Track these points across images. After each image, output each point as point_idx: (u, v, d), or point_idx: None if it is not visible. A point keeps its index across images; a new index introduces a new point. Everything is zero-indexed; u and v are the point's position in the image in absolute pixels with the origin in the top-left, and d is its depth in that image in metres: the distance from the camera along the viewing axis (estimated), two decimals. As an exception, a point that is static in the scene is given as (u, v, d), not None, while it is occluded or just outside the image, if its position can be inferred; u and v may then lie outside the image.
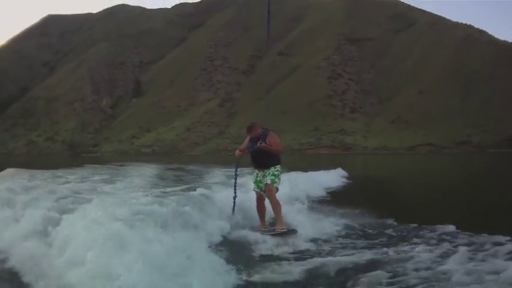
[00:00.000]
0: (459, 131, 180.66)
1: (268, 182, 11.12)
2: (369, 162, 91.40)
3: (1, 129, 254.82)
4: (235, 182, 12.11)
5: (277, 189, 11.23)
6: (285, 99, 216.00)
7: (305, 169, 30.76)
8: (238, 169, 12.43)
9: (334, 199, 19.81)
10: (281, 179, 11.56)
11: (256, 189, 11.51)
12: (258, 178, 11.50)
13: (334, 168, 34.98)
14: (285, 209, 12.16)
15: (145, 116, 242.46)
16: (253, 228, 11.07)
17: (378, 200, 21.12)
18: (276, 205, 10.93)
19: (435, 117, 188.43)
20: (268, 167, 11.40)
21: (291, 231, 10.65)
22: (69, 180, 22.50)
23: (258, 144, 11.25)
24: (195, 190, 13.26)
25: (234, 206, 11.88)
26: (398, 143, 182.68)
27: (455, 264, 7.99)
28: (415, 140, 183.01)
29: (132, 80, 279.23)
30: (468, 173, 50.75)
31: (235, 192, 11.92)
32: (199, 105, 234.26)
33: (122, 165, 44.92)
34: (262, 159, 11.39)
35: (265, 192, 11.27)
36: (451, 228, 11.11)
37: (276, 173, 11.28)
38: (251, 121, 12.87)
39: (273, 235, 10.50)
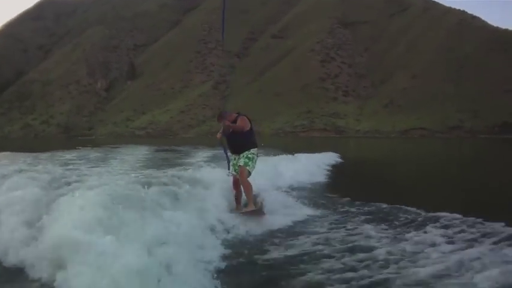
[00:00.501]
0: (452, 115, 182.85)
1: (241, 164, 11.45)
2: (361, 145, 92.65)
3: None
4: (228, 160, 12.28)
5: (249, 173, 11.51)
6: (278, 81, 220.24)
7: (299, 151, 31.57)
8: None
9: (320, 184, 20.26)
10: (256, 162, 11.79)
11: (233, 173, 11.91)
12: (234, 161, 11.86)
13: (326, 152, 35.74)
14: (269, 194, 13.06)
15: (139, 99, 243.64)
16: (231, 211, 11.31)
17: (369, 184, 21.85)
18: (246, 186, 11.25)
19: (428, 101, 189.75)
20: (242, 151, 11.72)
21: (260, 212, 11.09)
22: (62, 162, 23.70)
23: (225, 122, 11.61)
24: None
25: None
26: (391, 127, 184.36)
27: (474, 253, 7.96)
28: (407, 124, 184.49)
29: (126, 62, 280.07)
30: (461, 158, 52.31)
31: (229, 168, 12.19)
32: (193, 88, 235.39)
33: (115, 147, 46.50)
34: (236, 143, 11.81)
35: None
36: (456, 215, 10.98)
37: (250, 156, 11.59)
38: (220, 112, 12.47)
39: (242, 213, 11.00)
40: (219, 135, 12.09)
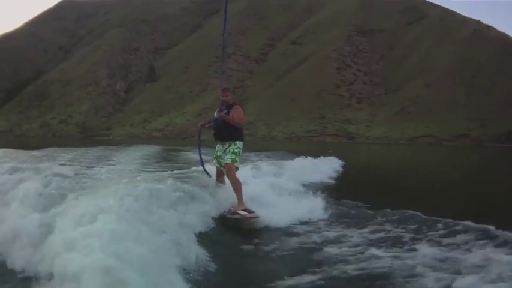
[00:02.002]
0: (460, 124, 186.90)
1: (228, 161, 11.26)
2: (370, 151, 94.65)
3: (16, 111, 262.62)
4: (202, 159, 12.70)
5: (237, 168, 11.36)
6: (294, 87, 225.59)
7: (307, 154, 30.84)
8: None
9: (325, 187, 19.81)
10: (241, 156, 11.69)
11: (216, 164, 11.90)
12: (218, 153, 11.75)
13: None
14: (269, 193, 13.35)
15: (157, 101, 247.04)
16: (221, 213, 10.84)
17: (374, 189, 22.22)
18: (236, 184, 10.97)
19: (438, 109, 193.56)
20: (228, 141, 11.59)
21: (254, 216, 10.60)
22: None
23: (222, 114, 11.57)
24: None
25: (206, 171, 12.60)
26: (400, 134, 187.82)
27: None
28: (416, 131, 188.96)
29: (146, 65, 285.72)
30: (466, 165, 54.28)
31: (202, 164, 12.66)
32: (210, 92, 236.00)
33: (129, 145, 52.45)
34: (223, 131, 11.55)
35: (224, 169, 11.49)
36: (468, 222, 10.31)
37: (236, 150, 11.38)
38: (225, 86, 12.35)
39: (234, 219, 10.53)
40: (200, 125, 12.51)
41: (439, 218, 11.07)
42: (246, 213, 10.54)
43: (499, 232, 9.25)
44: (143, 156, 32.97)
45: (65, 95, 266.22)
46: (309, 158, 28.80)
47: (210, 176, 12.47)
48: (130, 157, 31.25)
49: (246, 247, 9.31)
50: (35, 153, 27.16)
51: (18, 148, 35.18)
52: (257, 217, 10.60)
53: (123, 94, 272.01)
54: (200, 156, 12.88)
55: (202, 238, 8.55)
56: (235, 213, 10.59)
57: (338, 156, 36.92)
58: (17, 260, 6.93)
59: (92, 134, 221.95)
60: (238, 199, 10.86)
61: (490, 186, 26.12)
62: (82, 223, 6.38)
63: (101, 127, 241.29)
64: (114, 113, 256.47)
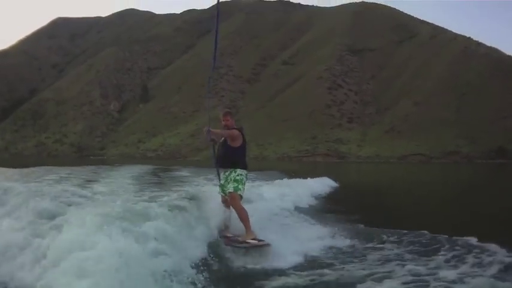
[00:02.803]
0: (450, 141, 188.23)
1: (231, 190, 10.60)
2: (360, 171, 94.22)
3: (11, 129, 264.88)
4: (218, 173, 11.50)
5: (241, 197, 10.71)
6: (286, 107, 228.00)
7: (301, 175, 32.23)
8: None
9: (322, 207, 20.62)
10: (245, 184, 11.00)
11: (220, 193, 11.21)
12: (222, 181, 11.14)
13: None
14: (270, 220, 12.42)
15: (151, 121, 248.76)
16: (219, 234, 10.55)
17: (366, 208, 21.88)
18: (242, 213, 10.42)
19: (428, 127, 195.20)
20: (230, 168, 10.97)
21: (264, 244, 9.98)
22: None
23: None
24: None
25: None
26: (391, 152, 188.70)
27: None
28: (406, 150, 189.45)
29: (139, 85, 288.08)
30: (452, 182, 54.90)
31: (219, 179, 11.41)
32: (204, 112, 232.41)
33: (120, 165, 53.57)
34: (226, 156, 11.09)
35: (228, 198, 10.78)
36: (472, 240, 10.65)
37: (238, 178, 10.79)
38: (226, 110, 12.03)
39: (243, 247, 9.97)
40: (206, 132, 11.18)
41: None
42: (255, 241, 10.09)
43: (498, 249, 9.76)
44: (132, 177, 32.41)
45: (60, 114, 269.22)
46: (299, 179, 29.30)
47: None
48: (119, 177, 31.50)
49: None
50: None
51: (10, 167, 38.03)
52: (268, 245, 10.00)
53: (117, 114, 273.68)
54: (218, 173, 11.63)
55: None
56: (243, 242, 10.16)
57: (329, 176, 36.70)
58: None
59: (87, 153, 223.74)
60: (246, 228, 10.38)
61: (484, 203, 26.08)
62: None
63: (95, 147, 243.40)
64: (108, 133, 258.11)
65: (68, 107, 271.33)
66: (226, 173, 10.99)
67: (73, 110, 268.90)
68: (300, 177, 30.59)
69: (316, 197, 24.14)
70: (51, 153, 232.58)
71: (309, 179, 30.38)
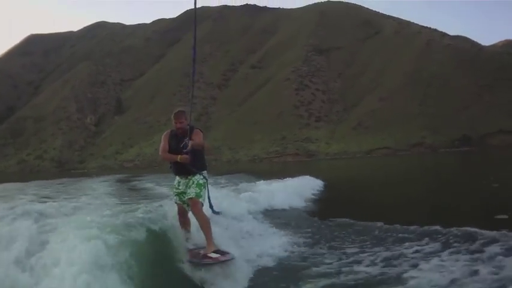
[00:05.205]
0: (415, 134, 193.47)
1: (192, 195, 9.80)
2: (329, 167, 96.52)
3: None
4: (208, 196, 10.59)
5: (202, 204, 9.92)
6: (256, 111, 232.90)
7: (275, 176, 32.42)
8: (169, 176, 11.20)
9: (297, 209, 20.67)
10: (207, 189, 10.28)
11: (178, 202, 10.30)
12: (181, 188, 10.22)
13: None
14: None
15: (127, 132, 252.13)
16: (187, 254, 9.52)
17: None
18: (204, 221, 9.70)
19: (393, 122, 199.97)
20: (193, 173, 10.07)
21: (227, 259, 9.31)
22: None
23: (189, 143, 9.83)
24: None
25: (213, 209, 10.96)
26: (358, 148, 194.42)
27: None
28: (373, 144, 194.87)
29: (114, 97, 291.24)
30: (406, 170, 58.31)
31: (210, 205, 10.85)
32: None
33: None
34: (192, 159, 9.96)
35: (188, 206, 10.03)
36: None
37: (201, 182, 10.01)
38: (179, 109, 10.45)
39: (204, 263, 9.13)
40: (185, 157, 9.91)
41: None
42: (218, 255, 9.21)
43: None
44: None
45: (39, 130, 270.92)
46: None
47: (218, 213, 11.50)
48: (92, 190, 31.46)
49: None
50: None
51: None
52: (232, 259, 9.33)
53: (94, 127, 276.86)
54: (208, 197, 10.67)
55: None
56: (205, 256, 9.22)
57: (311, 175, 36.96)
58: None
59: (69, 167, 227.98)
60: (207, 239, 9.53)
61: (444, 189, 27.51)
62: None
63: (75, 160, 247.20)
64: (87, 146, 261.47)
65: (46, 123, 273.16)
66: (189, 178, 10.13)
67: (51, 126, 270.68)
68: (278, 178, 30.00)
69: (317, 198, 25.28)
70: (33, 169, 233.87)
71: (288, 179, 30.08)
